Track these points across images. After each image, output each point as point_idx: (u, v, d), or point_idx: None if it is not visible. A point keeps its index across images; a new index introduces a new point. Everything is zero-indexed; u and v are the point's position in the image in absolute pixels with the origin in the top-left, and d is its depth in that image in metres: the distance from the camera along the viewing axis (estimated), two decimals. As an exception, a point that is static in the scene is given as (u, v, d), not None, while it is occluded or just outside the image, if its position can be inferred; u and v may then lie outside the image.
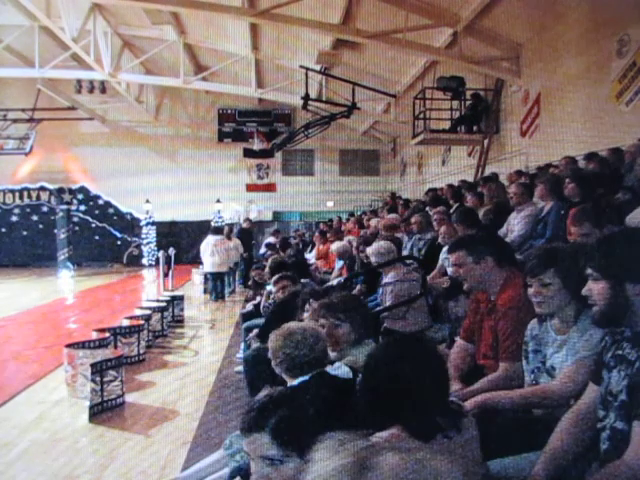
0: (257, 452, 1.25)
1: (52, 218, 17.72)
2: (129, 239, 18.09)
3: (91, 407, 4.08)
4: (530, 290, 2.01)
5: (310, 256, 9.04)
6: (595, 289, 1.56)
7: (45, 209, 17.92)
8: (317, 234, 9.45)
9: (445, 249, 4.10)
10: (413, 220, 5.65)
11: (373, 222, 7.79)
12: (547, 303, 1.97)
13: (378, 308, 4.16)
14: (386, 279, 4.18)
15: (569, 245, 2.67)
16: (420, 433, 1.43)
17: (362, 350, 2.34)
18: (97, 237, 18.04)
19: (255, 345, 4.25)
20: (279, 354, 2.21)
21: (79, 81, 16.49)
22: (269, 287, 5.23)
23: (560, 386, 1.90)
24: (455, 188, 7.80)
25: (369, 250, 4.49)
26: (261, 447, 1.23)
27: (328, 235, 8.88)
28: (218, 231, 10.67)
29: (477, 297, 2.61)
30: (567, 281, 1.91)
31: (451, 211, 5.72)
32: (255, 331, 4.53)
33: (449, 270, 2.66)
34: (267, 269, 5.95)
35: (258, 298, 6.81)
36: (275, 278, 4.52)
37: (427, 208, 7.21)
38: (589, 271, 1.57)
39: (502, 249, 2.70)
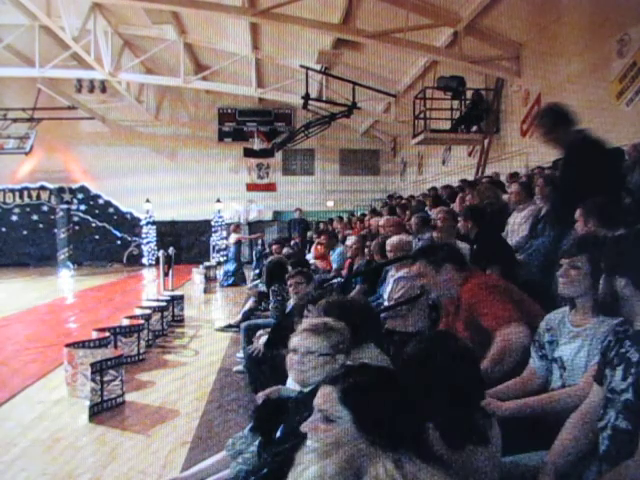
0: (320, 403, 1.31)
1: (52, 218, 17.71)
2: (129, 238, 18.08)
3: (91, 407, 4.08)
4: (559, 270, 2.05)
5: (309, 256, 9.02)
6: None
7: (45, 209, 17.91)
8: (315, 234, 9.44)
9: None
10: (412, 221, 5.63)
11: (373, 221, 7.78)
12: (571, 285, 2.00)
13: (382, 307, 4.14)
14: (399, 274, 4.14)
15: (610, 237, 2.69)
16: (452, 439, 1.45)
17: (362, 353, 2.33)
18: (97, 237, 18.03)
19: (261, 350, 4.20)
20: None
21: (79, 81, 16.47)
22: (273, 287, 5.20)
23: (586, 386, 1.89)
24: (453, 189, 7.81)
25: (389, 242, 4.42)
26: (326, 399, 1.30)
27: (322, 237, 8.84)
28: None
29: (446, 304, 2.67)
30: (596, 271, 1.92)
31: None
32: (260, 334, 4.50)
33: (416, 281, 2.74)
34: (265, 271, 5.91)
35: (250, 302, 6.81)
36: (290, 273, 4.38)
37: (426, 208, 7.22)
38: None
39: (459, 254, 2.78)
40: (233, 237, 12.56)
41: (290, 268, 4.91)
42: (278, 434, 2.09)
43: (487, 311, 2.40)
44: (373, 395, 1.31)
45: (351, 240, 6.17)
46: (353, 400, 1.29)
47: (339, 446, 1.23)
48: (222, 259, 16.14)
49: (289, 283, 4.25)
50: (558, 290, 2.07)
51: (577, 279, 1.99)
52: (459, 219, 4.44)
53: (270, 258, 6.53)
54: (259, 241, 14.84)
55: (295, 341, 2.11)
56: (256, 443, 2.24)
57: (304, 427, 1.32)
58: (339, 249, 7.32)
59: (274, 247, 8.94)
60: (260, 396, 2.48)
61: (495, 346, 2.32)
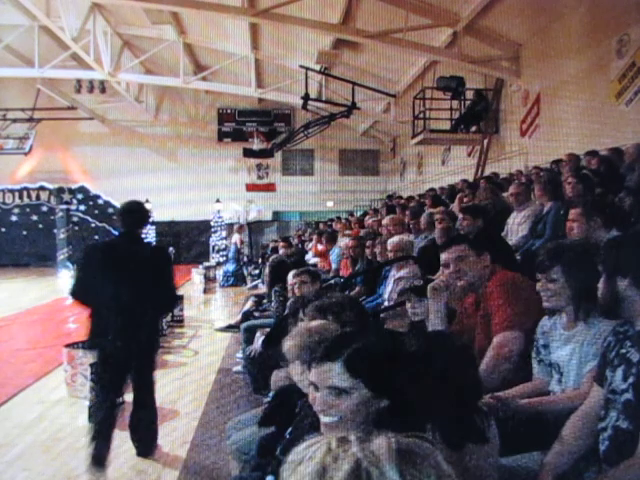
0: (326, 382, 1.29)
1: (52, 218, 17.71)
2: (129, 239, 18.06)
3: (90, 407, 4.07)
4: (538, 285, 2.04)
5: (308, 256, 9.02)
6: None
7: (45, 209, 17.90)
8: (315, 235, 9.43)
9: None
10: (421, 220, 5.60)
11: (372, 222, 7.78)
12: (554, 298, 1.99)
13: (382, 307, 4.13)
14: (399, 274, 4.12)
15: (576, 242, 2.67)
16: (450, 438, 1.43)
17: None
18: (97, 237, 18.00)
19: (259, 349, 4.19)
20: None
21: (79, 81, 16.46)
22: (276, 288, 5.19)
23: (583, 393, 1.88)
24: (453, 189, 7.82)
25: (390, 242, 4.41)
26: (330, 377, 1.28)
27: (323, 237, 8.85)
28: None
29: (465, 301, 2.62)
30: (571, 278, 1.93)
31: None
32: (259, 334, 4.50)
33: (446, 269, 2.60)
34: (267, 269, 5.88)
35: (250, 302, 6.81)
36: (295, 272, 4.25)
37: (425, 208, 7.21)
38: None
39: (498, 246, 2.70)
40: (236, 237, 12.48)
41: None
42: (288, 433, 2.07)
43: (495, 311, 2.38)
44: (381, 358, 1.31)
45: (346, 241, 6.18)
46: (362, 367, 1.28)
47: (358, 413, 1.23)
48: (222, 259, 16.13)
49: (293, 282, 4.11)
50: (543, 305, 2.06)
51: (556, 291, 1.98)
52: (459, 218, 4.44)
53: (273, 257, 6.49)
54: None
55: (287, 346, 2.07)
56: (253, 429, 2.23)
57: (316, 407, 1.31)
58: (338, 249, 7.32)
59: (281, 244, 8.89)
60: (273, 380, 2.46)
61: (488, 354, 2.31)
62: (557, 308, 2.02)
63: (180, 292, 8.74)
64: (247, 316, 6.23)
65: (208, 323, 7.98)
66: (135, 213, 3.43)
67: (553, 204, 4.32)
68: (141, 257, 3.36)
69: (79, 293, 3.32)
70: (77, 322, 8.19)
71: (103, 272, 3.23)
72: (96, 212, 18.06)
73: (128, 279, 3.22)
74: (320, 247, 8.64)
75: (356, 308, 2.54)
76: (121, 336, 3.23)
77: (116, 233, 17.85)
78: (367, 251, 5.53)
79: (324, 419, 1.28)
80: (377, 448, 0.79)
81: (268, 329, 4.42)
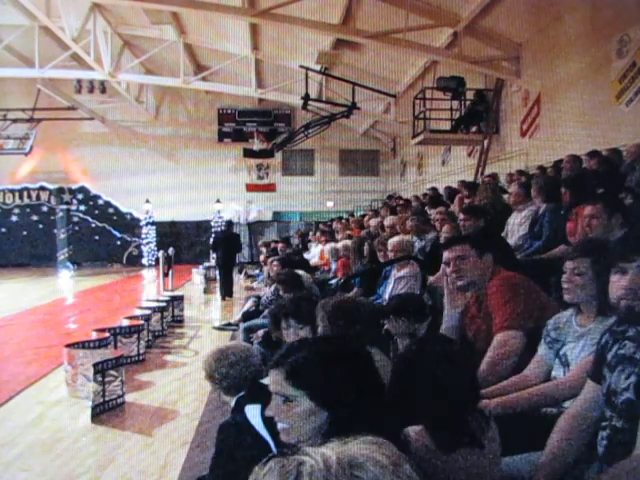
0: (274, 387, 1.33)
1: (52, 218, 17.72)
2: (129, 239, 18.08)
3: (94, 407, 4.07)
4: (563, 277, 2.02)
5: (309, 256, 9.03)
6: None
7: (45, 209, 17.91)
8: (314, 235, 9.45)
9: None
10: (408, 224, 5.59)
11: (372, 222, 7.78)
12: (577, 290, 1.98)
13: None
14: (400, 274, 4.13)
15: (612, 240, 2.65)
16: (442, 442, 1.43)
17: None
18: (97, 237, 18.03)
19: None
20: (215, 375, 2.34)
21: (79, 81, 16.48)
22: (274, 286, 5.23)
23: (572, 378, 1.88)
24: (451, 190, 7.82)
25: (390, 242, 4.41)
26: (277, 383, 1.31)
27: (319, 235, 8.90)
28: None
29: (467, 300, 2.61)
30: (599, 274, 1.90)
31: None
32: (259, 333, 4.52)
33: (447, 268, 2.57)
34: (278, 264, 5.99)
35: (249, 303, 6.82)
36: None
37: (426, 208, 7.22)
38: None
39: (500, 247, 2.66)
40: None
41: (303, 272, 4.95)
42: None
43: (496, 311, 2.36)
44: (316, 370, 1.30)
45: (344, 242, 6.18)
46: (299, 379, 1.29)
47: (305, 422, 1.26)
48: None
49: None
50: (563, 297, 2.05)
51: (581, 284, 1.96)
52: (460, 218, 4.42)
53: (281, 254, 6.57)
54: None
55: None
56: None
57: (268, 411, 1.34)
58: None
59: (280, 245, 9.00)
60: None
61: (488, 353, 2.30)
62: (577, 302, 1.99)
63: (180, 292, 8.80)
64: (247, 316, 6.24)
65: (208, 323, 7.98)
66: (231, 224, 9.59)
67: (547, 206, 4.32)
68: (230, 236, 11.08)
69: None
70: (77, 322, 8.20)
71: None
72: (96, 212, 18.07)
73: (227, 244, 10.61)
74: (321, 247, 8.66)
75: (372, 314, 2.51)
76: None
77: (116, 233, 17.93)
78: (366, 251, 5.53)
79: (278, 424, 1.32)
80: (325, 458, 0.81)
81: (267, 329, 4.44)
